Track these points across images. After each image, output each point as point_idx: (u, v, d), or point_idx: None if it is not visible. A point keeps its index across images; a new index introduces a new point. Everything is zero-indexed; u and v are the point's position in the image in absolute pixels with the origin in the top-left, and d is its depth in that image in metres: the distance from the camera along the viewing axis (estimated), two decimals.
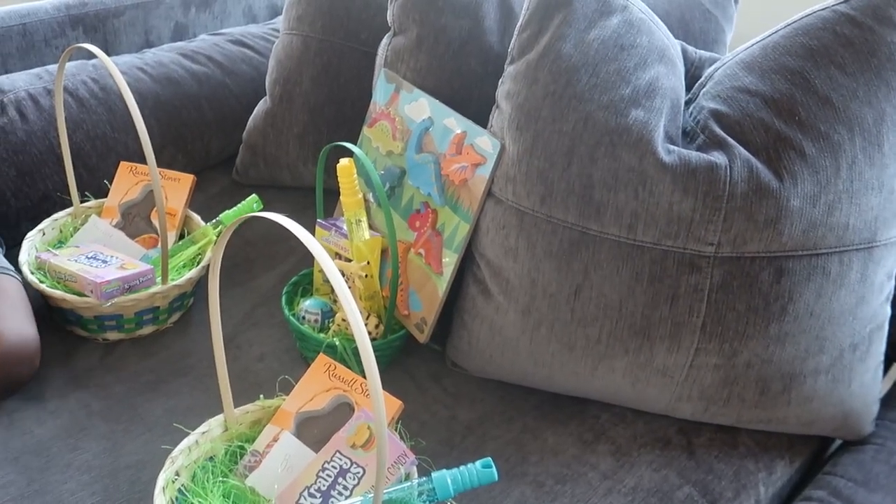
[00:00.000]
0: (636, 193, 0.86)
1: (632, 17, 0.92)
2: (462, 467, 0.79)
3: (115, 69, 0.97)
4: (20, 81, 1.27)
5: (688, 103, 0.97)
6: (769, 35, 0.92)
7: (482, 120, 1.00)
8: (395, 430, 0.88)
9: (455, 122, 1.01)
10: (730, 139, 0.88)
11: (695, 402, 0.95)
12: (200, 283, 1.17)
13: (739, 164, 0.86)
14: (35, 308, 1.10)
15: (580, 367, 0.95)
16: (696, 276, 0.88)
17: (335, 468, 0.82)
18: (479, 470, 0.79)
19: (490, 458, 0.79)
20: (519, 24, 0.94)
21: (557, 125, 0.89)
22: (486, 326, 0.99)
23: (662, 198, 0.86)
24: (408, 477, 0.83)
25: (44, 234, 1.16)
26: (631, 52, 0.90)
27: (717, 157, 0.86)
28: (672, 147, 0.88)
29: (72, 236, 1.18)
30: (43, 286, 1.04)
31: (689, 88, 0.99)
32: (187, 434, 0.85)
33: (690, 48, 1.06)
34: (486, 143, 0.96)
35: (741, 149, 0.87)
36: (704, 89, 0.95)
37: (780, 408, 0.94)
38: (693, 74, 1.03)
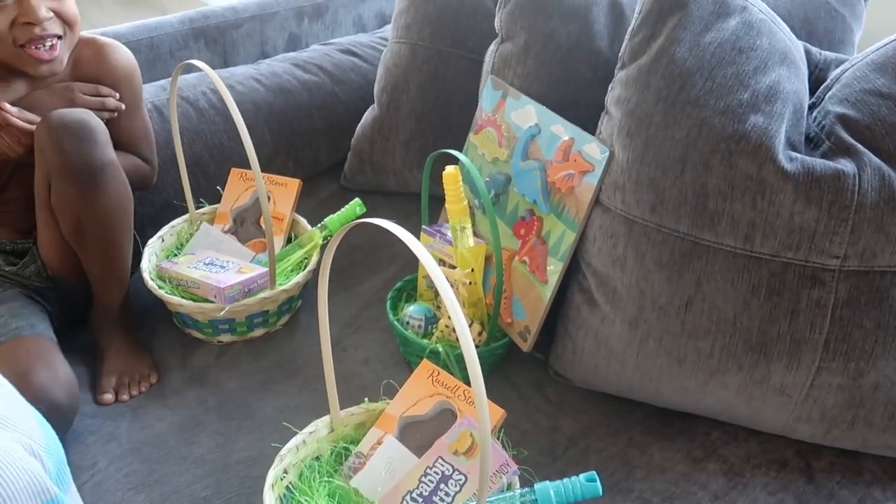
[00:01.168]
0: (754, 203, 0.82)
1: (751, 19, 0.88)
2: (566, 479, 0.77)
3: (220, 82, 1.01)
4: (146, 94, 1.34)
5: (811, 108, 0.92)
6: None
7: (590, 127, 0.98)
8: (498, 438, 0.87)
9: (562, 129, 1.00)
10: (859, 145, 0.83)
11: (815, 423, 0.90)
12: (307, 287, 1.20)
13: (870, 172, 0.80)
14: (156, 312, 1.16)
15: (690, 382, 0.92)
16: (818, 291, 0.83)
17: (437, 474, 0.82)
18: (583, 483, 0.77)
19: (594, 472, 0.77)
20: (631, 28, 0.92)
21: (670, 131, 0.86)
22: (592, 337, 0.97)
23: (783, 207, 0.82)
24: (509, 487, 0.82)
25: (163, 240, 1.22)
26: (750, 55, 0.86)
27: (845, 165, 0.81)
28: (794, 154, 0.83)
29: (187, 242, 1.24)
30: (161, 292, 1.10)
31: (813, 92, 0.94)
32: (295, 433, 0.87)
33: (815, 49, 1.01)
34: (594, 149, 0.95)
35: (871, 155, 0.81)
36: (830, 92, 0.90)
37: None
38: (817, 77, 0.98)
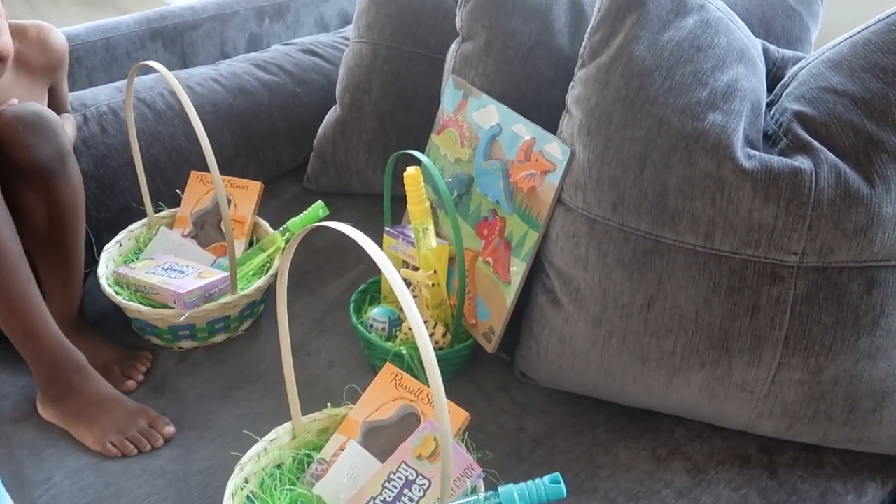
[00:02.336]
0: (713, 201, 0.83)
1: (709, 17, 0.89)
2: (530, 482, 0.77)
3: (176, 82, 0.99)
4: (102, 95, 1.32)
5: (769, 105, 0.92)
6: (860, 31, 0.87)
7: (552, 126, 0.98)
8: (462, 441, 0.87)
9: (524, 129, 0.99)
10: (815, 142, 0.83)
11: (777, 419, 0.90)
12: (270, 291, 1.18)
13: (826, 169, 0.81)
14: (115, 319, 1.14)
15: (654, 381, 0.92)
16: (778, 287, 0.83)
17: (401, 479, 0.81)
18: (548, 485, 0.76)
19: (559, 474, 0.77)
20: (590, 26, 0.92)
21: (630, 130, 0.86)
22: (556, 337, 0.97)
23: (742, 205, 0.82)
24: (474, 490, 0.82)
25: (120, 245, 1.20)
26: (708, 53, 0.86)
27: (802, 162, 0.82)
28: (752, 152, 0.84)
29: (146, 246, 1.22)
30: (119, 298, 1.07)
31: (770, 90, 0.95)
32: (256, 441, 0.85)
33: (772, 47, 1.01)
34: (555, 149, 0.94)
35: (828, 153, 0.82)
36: (788, 90, 0.90)
37: (871, 427, 0.88)
38: (775, 75, 0.98)
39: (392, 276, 0.64)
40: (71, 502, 0.88)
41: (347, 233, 0.68)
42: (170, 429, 0.97)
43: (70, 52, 1.37)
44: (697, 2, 0.89)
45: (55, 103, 1.19)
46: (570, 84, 0.95)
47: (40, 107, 1.00)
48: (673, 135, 0.84)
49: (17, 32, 1.11)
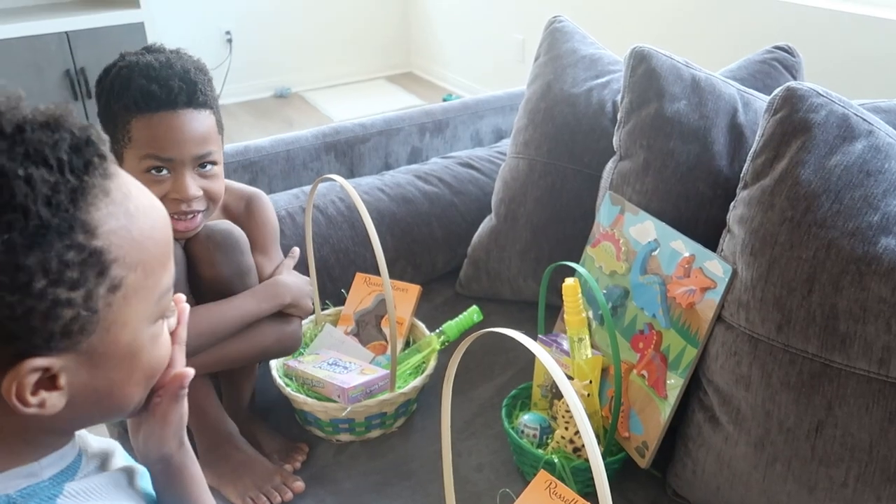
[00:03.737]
0: (888, 326, 0.81)
1: (878, 142, 0.89)
2: None
3: (356, 195, 1.09)
4: (281, 201, 1.46)
5: None
6: None
7: (710, 243, 1.00)
8: None
9: (683, 245, 1.01)
10: None
11: None
12: (423, 390, 1.23)
13: None
14: (281, 408, 1.22)
15: None
16: None
17: None
18: None
19: None
20: (753, 149, 0.94)
21: (796, 251, 0.86)
22: (714, 456, 0.95)
23: None
24: None
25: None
26: (878, 178, 0.86)
27: None
28: None
29: (311, 341, 1.31)
30: (289, 390, 1.15)
31: None
32: None
33: None
34: (716, 267, 0.95)
35: None
36: None
37: None
38: None
39: (563, 383, 0.66)
40: None
41: (521, 340, 0.71)
42: (299, 484, 1.08)
43: (255, 161, 1.54)
44: (865, 127, 0.90)
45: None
46: (732, 204, 0.97)
47: (229, 225, 1.08)
48: (843, 258, 0.83)
49: (232, 190, 1.16)
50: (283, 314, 1.12)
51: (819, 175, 0.87)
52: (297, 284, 1.14)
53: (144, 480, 0.63)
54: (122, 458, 0.63)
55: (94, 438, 0.61)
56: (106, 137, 0.51)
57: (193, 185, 1.00)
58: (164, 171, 0.99)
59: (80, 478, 0.56)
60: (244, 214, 1.16)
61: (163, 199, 1.01)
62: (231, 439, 1.11)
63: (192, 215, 1.03)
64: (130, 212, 0.51)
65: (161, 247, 0.53)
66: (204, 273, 1.06)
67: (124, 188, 0.51)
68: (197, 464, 0.65)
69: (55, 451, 0.55)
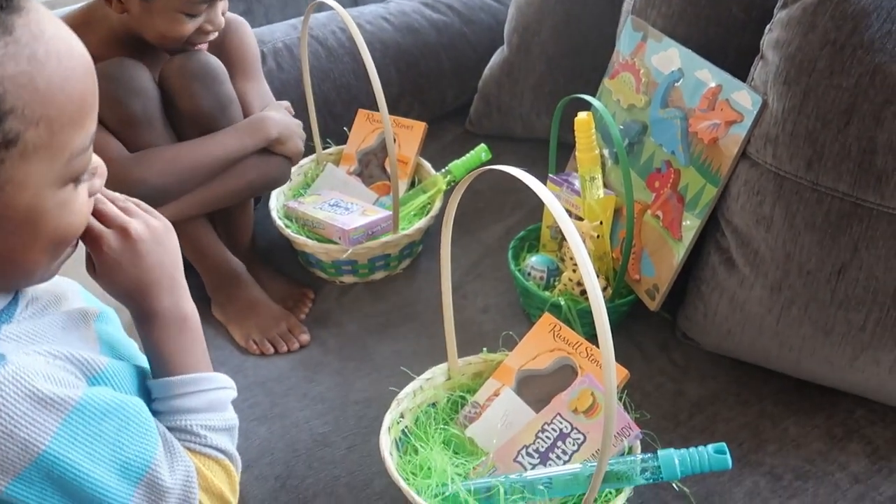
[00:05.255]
0: None
1: None
2: (692, 449, 0.73)
3: (351, 21, 1.00)
4: (278, 32, 1.36)
5: None
6: None
7: (740, 73, 0.90)
8: (620, 399, 0.84)
9: (709, 75, 0.92)
10: None
11: None
12: (429, 232, 1.18)
13: None
14: (282, 249, 1.18)
15: (836, 356, 0.84)
16: None
17: (555, 431, 0.80)
18: (711, 454, 0.73)
19: (724, 444, 0.73)
20: None
21: (836, 79, 0.77)
22: (727, 300, 0.91)
23: None
24: (630, 450, 0.79)
25: (290, 180, 1.23)
26: None
27: None
28: None
29: (313, 181, 1.25)
30: (289, 231, 1.11)
31: None
32: (412, 378, 0.87)
33: None
34: (744, 98, 0.87)
35: None
36: None
37: None
38: None
39: (565, 223, 0.61)
40: (242, 416, 0.93)
41: (520, 176, 0.65)
42: (305, 336, 1.05)
43: None
44: None
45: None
46: (767, 26, 0.87)
47: (205, 54, 1.01)
48: (889, 86, 0.74)
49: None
50: (269, 150, 1.06)
51: None
52: (284, 120, 1.07)
53: (104, 322, 0.59)
54: (78, 299, 0.59)
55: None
56: None
57: (220, 14, 1.00)
58: (204, 5, 0.96)
59: (21, 320, 0.53)
60: (220, 43, 1.08)
61: (194, 32, 0.98)
62: (237, 279, 1.09)
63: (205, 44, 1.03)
64: (38, 57, 0.43)
65: (74, 102, 0.46)
66: (183, 106, 0.99)
67: (36, 28, 0.44)
68: (188, 319, 0.60)
69: None
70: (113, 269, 0.55)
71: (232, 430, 0.61)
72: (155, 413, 0.57)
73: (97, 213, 0.55)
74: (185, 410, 0.58)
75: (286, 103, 1.15)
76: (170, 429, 0.56)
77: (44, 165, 0.46)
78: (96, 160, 0.52)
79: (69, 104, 0.46)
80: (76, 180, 0.49)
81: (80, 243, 0.55)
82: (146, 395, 0.59)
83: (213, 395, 0.60)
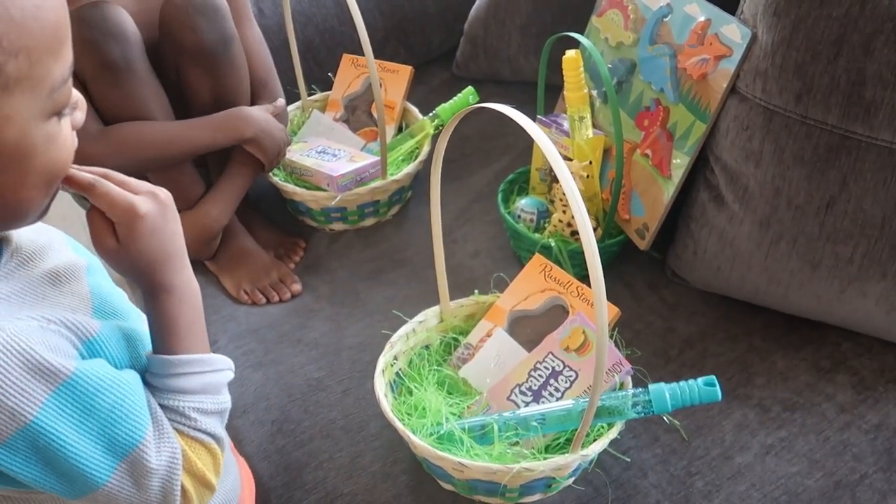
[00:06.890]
0: None
1: None
2: (682, 382, 0.74)
3: None
4: None
5: None
6: None
7: (730, 7, 0.89)
8: (611, 337, 0.85)
9: (698, 9, 0.91)
10: None
11: None
12: (418, 177, 1.18)
13: None
14: (271, 198, 1.17)
15: (824, 289, 0.85)
16: None
17: (547, 369, 0.81)
18: (702, 387, 0.74)
19: (714, 377, 0.74)
20: None
21: (826, 9, 0.76)
22: (716, 237, 0.91)
23: None
24: (622, 386, 0.80)
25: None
26: None
27: None
28: None
29: (300, 129, 1.24)
30: (276, 180, 1.10)
31: None
32: (405, 322, 0.87)
33: None
34: (733, 31, 0.86)
35: None
36: None
37: None
38: None
39: (557, 161, 0.61)
40: (236, 363, 0.93)
41: (508, 114, 0.65)
42: (297, 286, 1.05)
43: None
44: None
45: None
46: None
47: None
48: (879, 14, 0.73)
49: None
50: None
51: None
52: (264, 119, 1.04)
53: (94, 275, 0.59)
54: (66, 248, 0.59)
55: (29, 230, 0.56)
56: None
57: None
58: None
59: (8, 274, 0.52)
60: None
61: None
62: (227, 229, 1.08)
63: None
64: None
65: (50, 31, 0.45)
66: (186, 41, 0.98)
67: None
68: (198, 293, 0.59)
69: None
70: (143, 237, 0.54)
71: (224, 412, 0.60)
72: (148, 385, 0.56)
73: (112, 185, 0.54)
74: (179, 391, 0.56)
75: (281, 102, 1.11)
76: (161, 406, 0.56)
77: (27, 98, 0.45)
78: (76, 94, 0.51)
79: (44, 33, 0.45)
80: (59, 113, 0.48)
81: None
82: (138, 360, 0.58)
83: (210, 377, 0.58)
